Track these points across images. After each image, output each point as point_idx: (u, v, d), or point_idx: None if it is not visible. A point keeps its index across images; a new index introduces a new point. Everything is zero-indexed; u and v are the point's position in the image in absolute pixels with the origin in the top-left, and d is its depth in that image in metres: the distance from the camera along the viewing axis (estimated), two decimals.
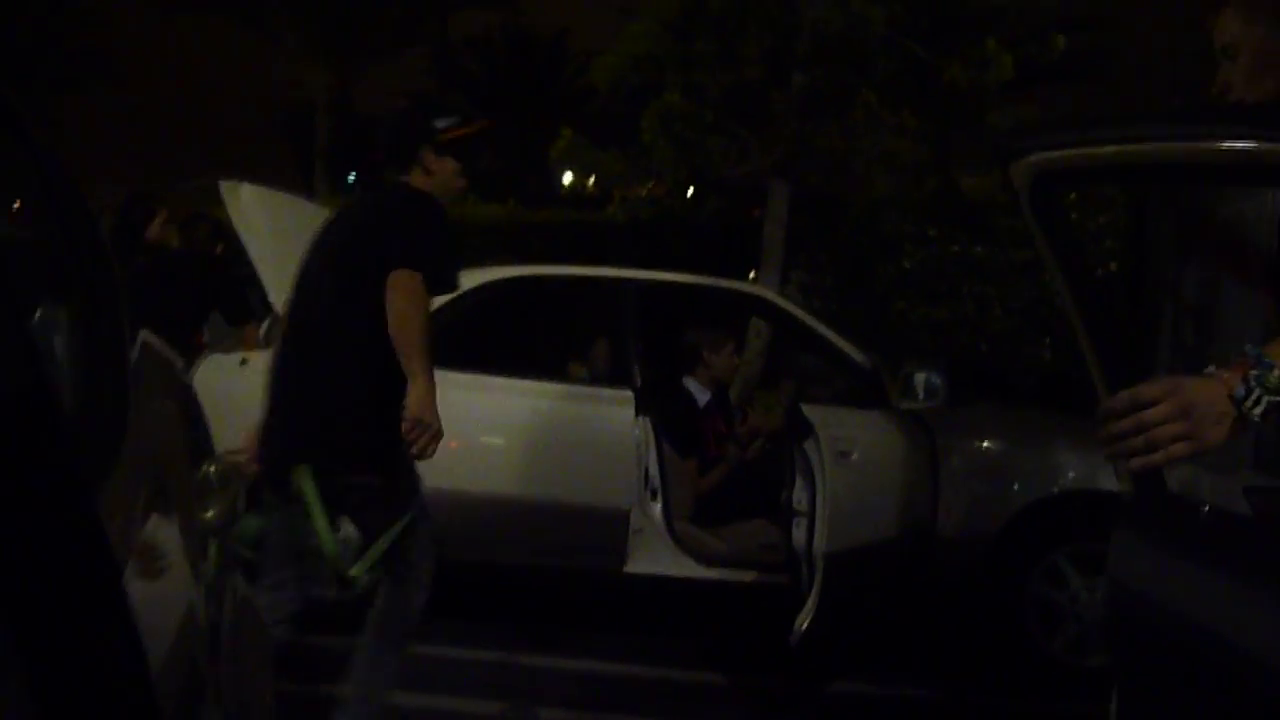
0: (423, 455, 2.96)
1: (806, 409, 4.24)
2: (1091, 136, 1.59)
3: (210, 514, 1.66)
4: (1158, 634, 1.59)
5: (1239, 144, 1.42)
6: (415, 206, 3.15)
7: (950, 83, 8.42)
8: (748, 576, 4.73)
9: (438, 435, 2.94)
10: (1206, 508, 1.50)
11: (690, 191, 10.95)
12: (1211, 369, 1.50)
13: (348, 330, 3.09)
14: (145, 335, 1.70)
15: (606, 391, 4.89)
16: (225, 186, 5.19)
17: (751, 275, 9.07)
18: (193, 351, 5.24)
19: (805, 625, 3.96)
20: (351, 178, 21.47)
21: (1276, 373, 1.49)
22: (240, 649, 1.97)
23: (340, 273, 3.14)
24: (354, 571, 2.99)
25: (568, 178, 21.55)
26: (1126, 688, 1.68)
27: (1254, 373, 1.47)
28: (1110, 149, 1.56)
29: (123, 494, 1.25)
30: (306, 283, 3.27)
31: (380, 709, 3.23)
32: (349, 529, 3.03)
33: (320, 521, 2.97)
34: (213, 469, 1.75)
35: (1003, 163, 1.67)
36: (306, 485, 2.99)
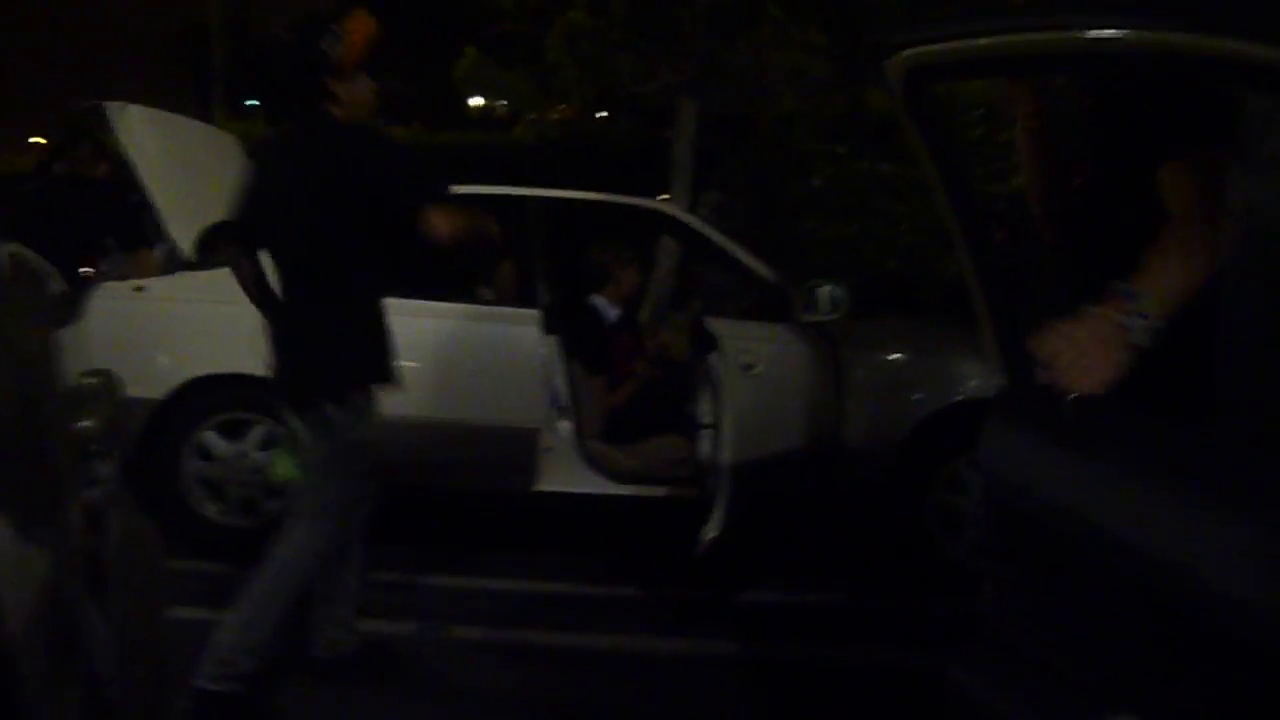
0: None
1: (710, 323, 4.26)
2: (962, 29, 1.60)
3: (89, 424, 1.62)
4: (1027, 521, 1.63)
5: (1103, 32, 1.43)
6: (378, 151, 3.21)
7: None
8: (658, 491, 4.78)
9: None
10: (1072, 396, 1.54)
11: (603, 115, 10.85)
12: (1089, 308, 1.59)
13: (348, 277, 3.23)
14: (13, 248, 1.64)
15: (513, 311, 4.86)
16: (111, 108, 5.00)
17: (664, 197, 9.04)
18: (87, 277, 5.09)
19: (711, 535, 4.02)
20: (252, 102, 20.90)
21: (1147, 300, 1.62)
22: (128, 572, 1.94)
23: (326, 225, 3.16)
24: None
25: (477, 100, 21.21)
26: (998, 575, 1.74)
27: (1129, 306, 1.61)
28: (982, 41, 1.57)
29: None
30: (279, 227, 3.29)
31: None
32: None
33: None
34: (93, 380, 1.71)
35: (877, 61, 1.67)
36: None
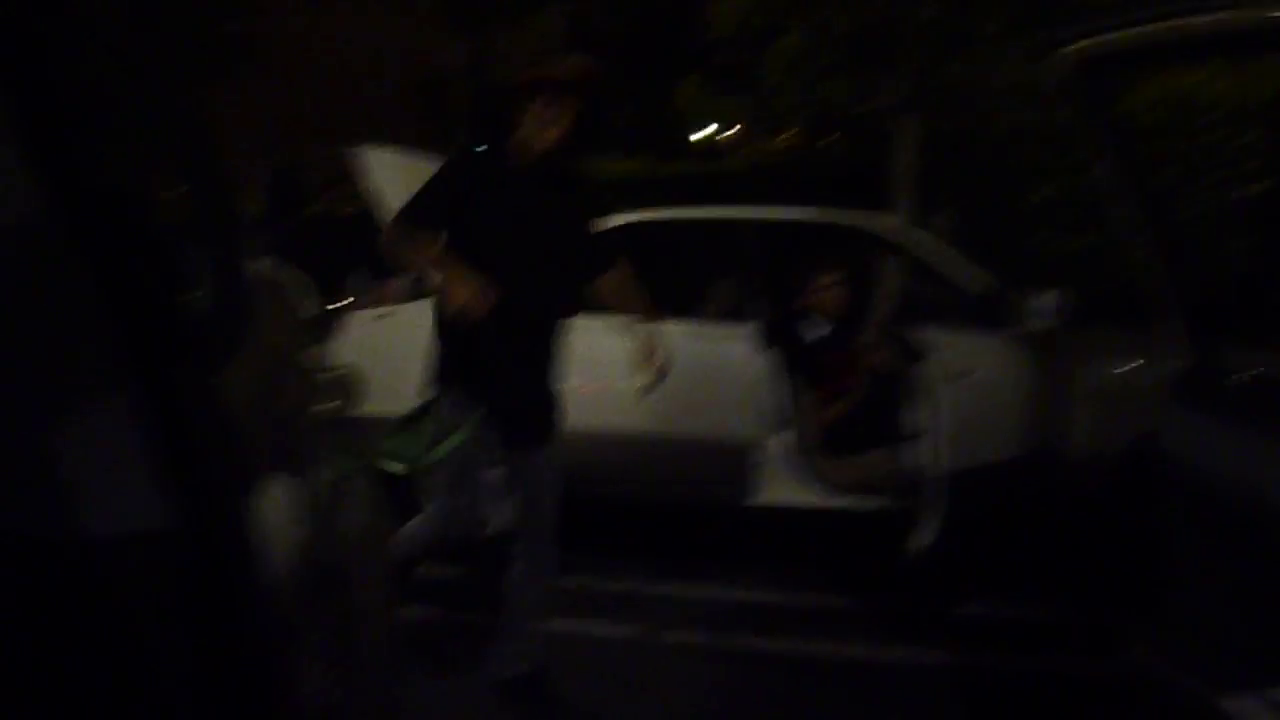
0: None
1: (921, 333, 4.28)
2: (1129, 19, 1.63)
3: (330, 405, 1.85)
4: (1211, 502, 1.63)
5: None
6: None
7: (1077, 6, 8.16)
8: (873, 503, 4.80)
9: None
10: (1253, 372, 1.55)
11: (829, 138, 10.88)
12: None
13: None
14: (260, 266, 1.90)
15: (731, 328, 4.99)
16: (354, 153, 5.46)
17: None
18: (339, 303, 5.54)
19: (923, 545, 4.03)
20: (481, 148, 21.90)
21: None
22: (361, 563, 2.16)
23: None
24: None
25: (705, 130, 21.54)
26: (1188, 558, 1.74)
27: None
28: (1148, 29, 1.60)
29: (242, 378, 1.46)
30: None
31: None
32: None
33: None
34: (334, 373, 1.95)
35: (1048, 53, 1.72)
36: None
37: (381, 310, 5.31)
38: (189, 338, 1.08)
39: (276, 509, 1.56)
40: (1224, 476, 1.61)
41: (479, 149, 3.40)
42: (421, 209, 3.36)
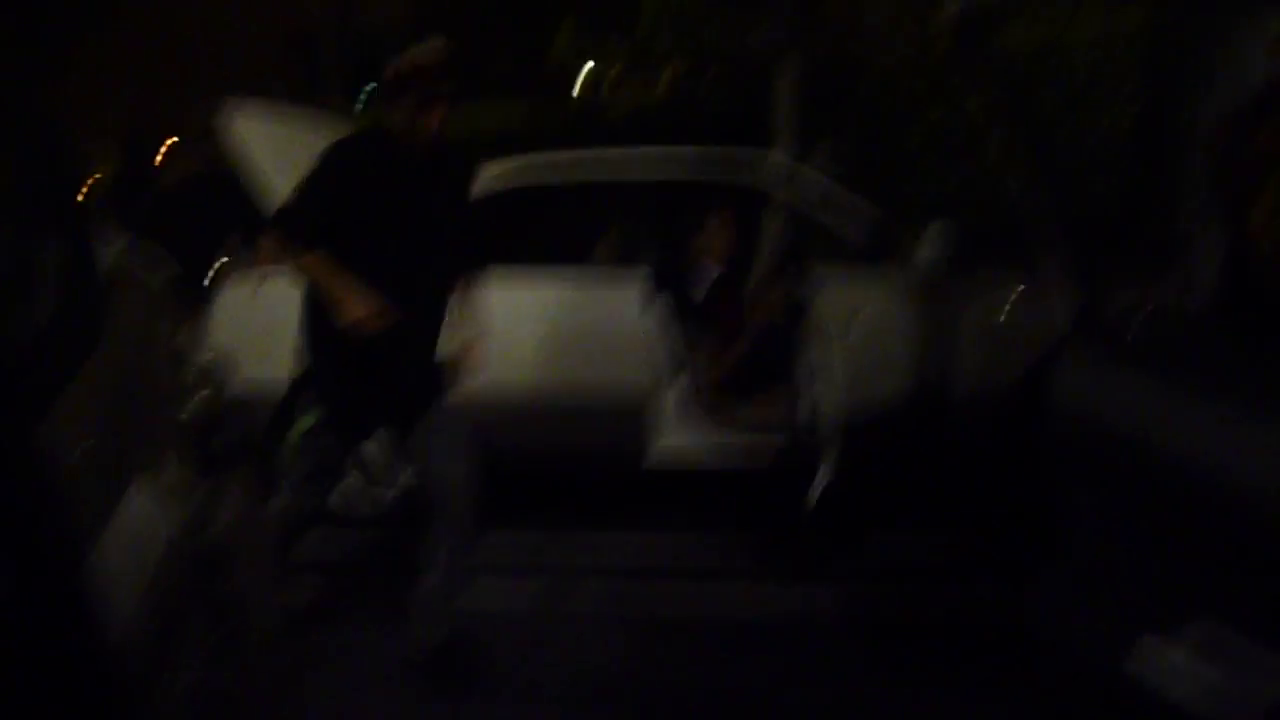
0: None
1: (814, 274, 4.26)
2: None
3: (201, 398, 1.74)
4: (1100, 444, 1.63)
5: None
6: None
7: None
8: (773, 443, 4.80)
9: None
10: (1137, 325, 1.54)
11: (711, 76, 10.80)
12: None
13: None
14: (118, 252, 1.76)
15: (621, 273, 4.92)
16: (232, 105, 5.22)
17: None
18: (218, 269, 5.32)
19: (822, 486, 4.04)
20: (362, 98, 21.35)
21: None
22: (239, 551, 2.06)
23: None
24: None
25: (584, 71, 21.33)
26: (1076, 497, 1.73)
27: None
28: None
29: (101, 375, 1.35)
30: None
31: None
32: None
33: None
34: (206, 361, 1.83)
35: None
36: None
37: (261, 272, 5.11)
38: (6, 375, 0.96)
39: (144, 507, 1.45)
40: (1116, 423, 1.59)
41: (357, 140, 3.41)
42: (302, 217, 3.27)
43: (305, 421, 3.19)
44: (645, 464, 4.85)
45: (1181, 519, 1.51)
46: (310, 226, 3.21)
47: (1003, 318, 4.63)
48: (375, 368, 3.24)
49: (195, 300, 3.28)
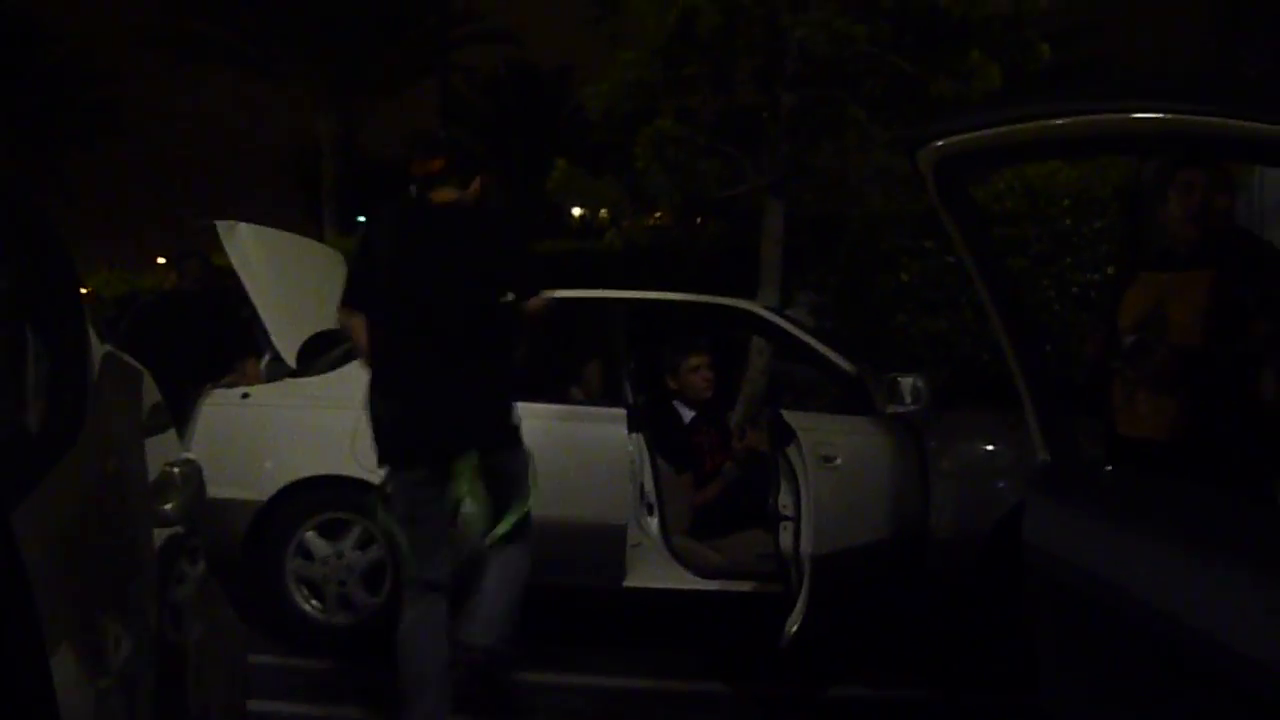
0: None
1: (789, 416, 4.31)
2: (980, 120, 1.68)
3: (170, 505, 1.76)
4: (1069, 591, 1.66)
5: (1127, 115, 1.51)
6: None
7: (938, 95, 8.49)
8: (745, 586, 4.79)
9: None
10: (1109, 468, 1.58)
11: (698, 220, 11.03)
12: None
13: (487, 333, 3.60)
14: (109, 350, 1.81)
15: (600, 410, 4.97)
16: (221, 227, 5.34)
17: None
18: (200, 385, 5.34)
19: (794, 628, 4.02)
20: (361, 219, 21.71)
21: None
22: (210, 664, 2.05)
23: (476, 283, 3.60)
24: (496, 533, 3.66)
25: (576, 210, 21.75)
26: (1045, 645, 1.75)
27: None
28: (1001, 130, 1.65)
29: (80, 469, 1.37)
30: (430, 288, 3.58)
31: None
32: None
33: (479, 496, 3.58)
34: (176, 469, 1.85)
35: (909, 152, 1.76)
36: (466, 467, 3.54)
37: (244, 390, 5.15)
38: None
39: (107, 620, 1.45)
40: (1083, 567, 1.62)
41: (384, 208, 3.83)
42: (350, 287, 3.74)
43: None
44: (620, 599, 4.84)
45: (1146, 667, 1.53)
46: (355, 293, 3.69)
47: (979, 464, 4.68)
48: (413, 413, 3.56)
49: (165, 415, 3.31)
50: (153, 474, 1.75)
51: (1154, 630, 1.49)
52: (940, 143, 1.74)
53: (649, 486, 4.94)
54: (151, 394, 1.97)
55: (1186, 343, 3.21)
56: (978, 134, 1.68)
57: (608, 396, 5.16)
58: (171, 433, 2.11)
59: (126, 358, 1.93)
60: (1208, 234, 3.49)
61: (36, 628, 0.97)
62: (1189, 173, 3.44)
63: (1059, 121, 1.60)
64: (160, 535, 1.74)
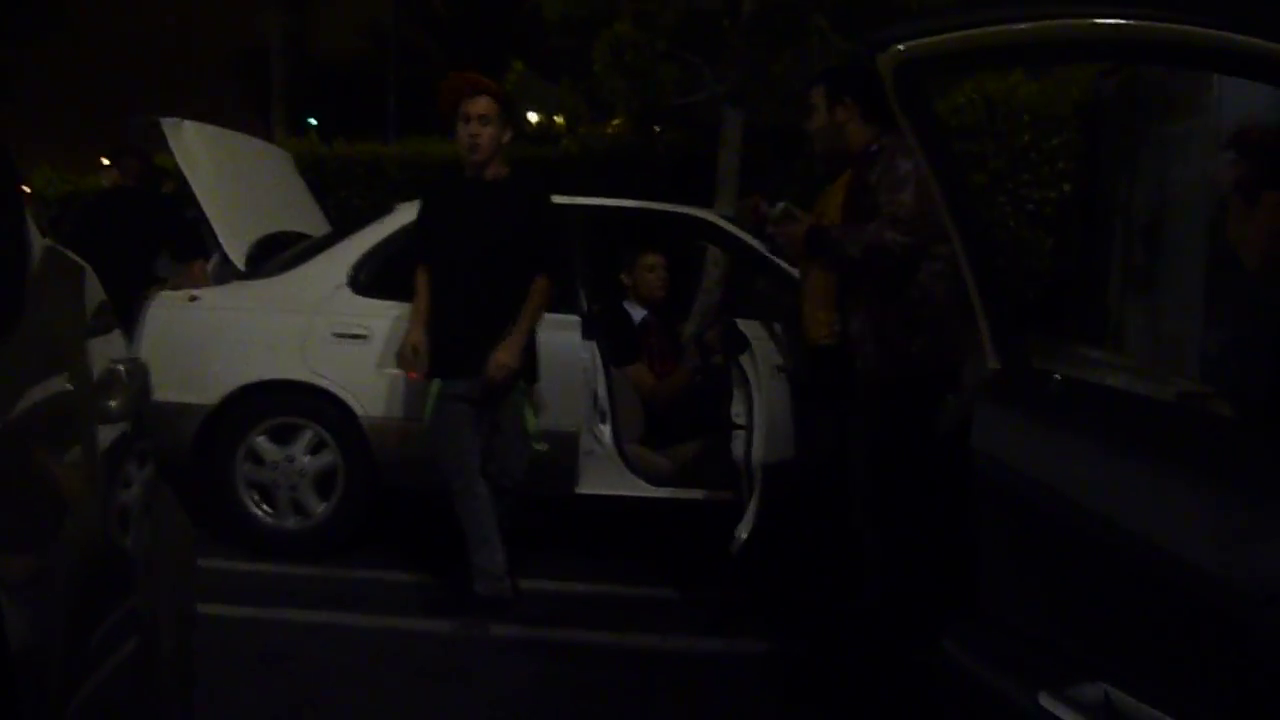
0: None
1: (743, 325, 4.31)
2: (944, 24, 1.65)
3: (114, 403, 1.73)
4: (1016, 497, 1.68)
5: (1093, 20, 1.48)
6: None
7: (901, 5, 8.39)
8: (696, 494, 4.83)
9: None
10: (1057, 377, 1.59)
11: (656, 128, 10.90)
12: None
13: (517, 278, 4.18)
14: (49, 244, 1.76)
15: (553, 317, 4.93)
16: (166, 125, 5.19)
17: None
18: (144, 287, 5.25)
19: (745, 535, 4.06)
20: (312, 120, 21.27)
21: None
22: (160, 567, 2.03)
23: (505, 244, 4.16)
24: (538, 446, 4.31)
25: (533, 116, 21.45)
26: (990, 549, 1.78)
27: None
28: (965, 34, 1.62)
29: (16, 362, 1.34)
30: (474, 235, 4.18)
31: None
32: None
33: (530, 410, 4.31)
34: (122, 366, 1.82)
35: (869, 56, 1.73)
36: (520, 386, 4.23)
37: (191, 292, 5.06)
38: None
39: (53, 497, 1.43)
40: (1034, 477, 1.64)
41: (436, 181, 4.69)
42: (414, 246, 4.39)
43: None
44: (572, 505, 4.88)
45: (1088, 573, 1.55)
46: (419, 250, 4.31)
47: None
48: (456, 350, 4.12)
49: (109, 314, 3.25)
50: (97, 373, 1.71)
51: (1098, 536, 1.51)
52: (902, 46, 1.71)
53: (602, 394, 4.93)
54: (96, 292, 1.92)
55: None
56: (942, 37, 1.65)
57: (562, 303, 5.13)
58: (117, 333, 2.07)
59: (68, 253, 1.88)
60: None
61: None
62: None
63: (1024, 26, 1.58)
64: (107, 437, 1.71)
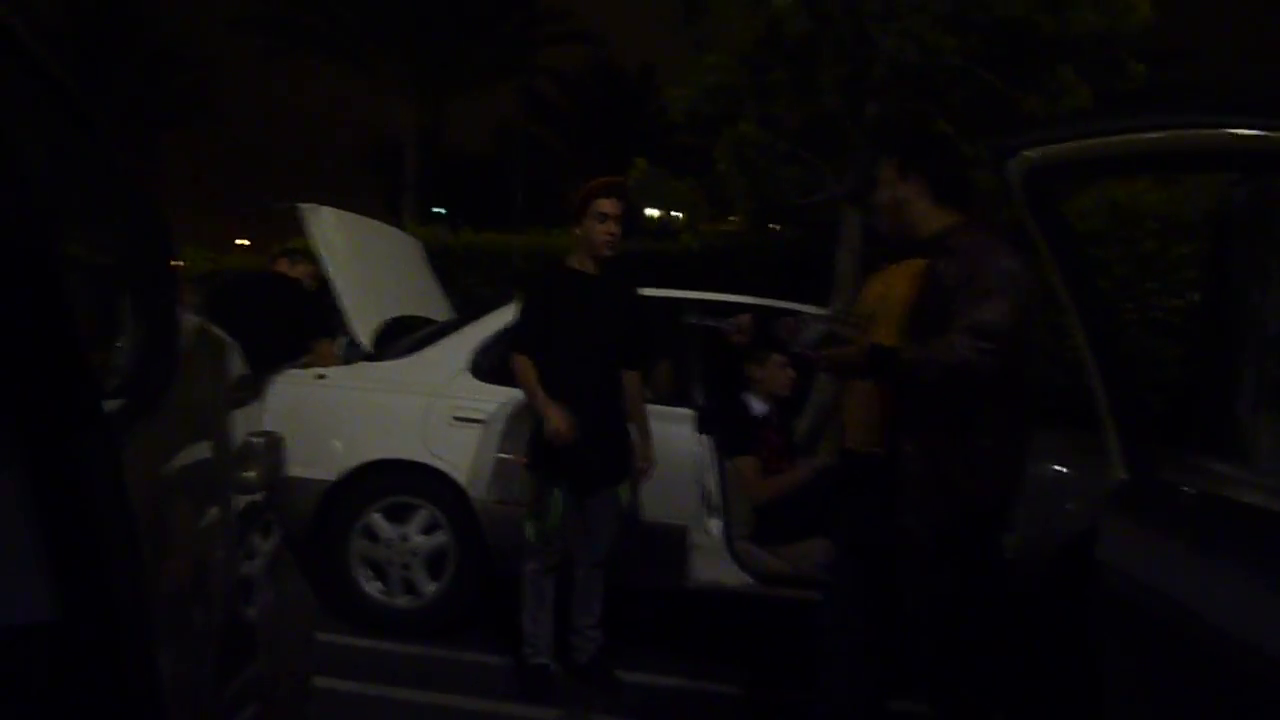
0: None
1: None
2: (1076, 131, 1.66)
3: (252, 474, 1.80)
4: (1147, 614, 1.63)
5: (1216, 130, 1.48)
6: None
7: (1026, 112, 8.38)
8: (805, 595, 4.76)
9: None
10: (1188, 490, 1.55)
11: (774, 226, 10.97)
12: None
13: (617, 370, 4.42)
14: (201, 321, 1.86)
15: (669, 410, 4.97)
16: (305, 209, 5.43)
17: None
18: (277, 365, 5.43)
19: None
20: (440, 210, 21.96)
21: None
22: (279, 637, 2.08)
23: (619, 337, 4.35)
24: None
25: (653, 211, 21.78)
26: (1119, 668, 1.72)
27: None
28: (1095, 141, 1.63)
29: (167, 430, 1.41)
30: (598, 332, 4.32)
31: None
32: None
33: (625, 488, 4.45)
34: (259, 439, 1.89)
35: (997, 164, 1.74)
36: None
37: (318, 371, 5.23)
38: (95, 403, 1.01)
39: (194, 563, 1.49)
40: (1161, 591, 1.59)
41: (546, 271, 4.60)
42: (517, 332, 4.35)
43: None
44: (683, 598, 4.84)
45: (1221, 694, 1.50)
46: (524, 339, 4.27)
47: (1055, 483, 4.62)
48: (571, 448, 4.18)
49: (255, 386, 3.40)
50: (237, 444, 1.79)
51: (1231, 658, 1.45)
52: (1031, 152, 1.72)
53: (712, 488, 4.92)
54: (239, 366, 2.02)
55: None
56: (1070, 144, 1.65)
57: (676, 397, 5.16)
58: (257, 405, 2.16)
59: (216, 330, 1.98)
60: None
61: (143, 592, 1.00)
62: None
63: (1153, 135, 1.58)
64: (238, 506, 1.78)
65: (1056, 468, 4.69)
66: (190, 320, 1.81)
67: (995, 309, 2.89)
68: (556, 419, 4.11)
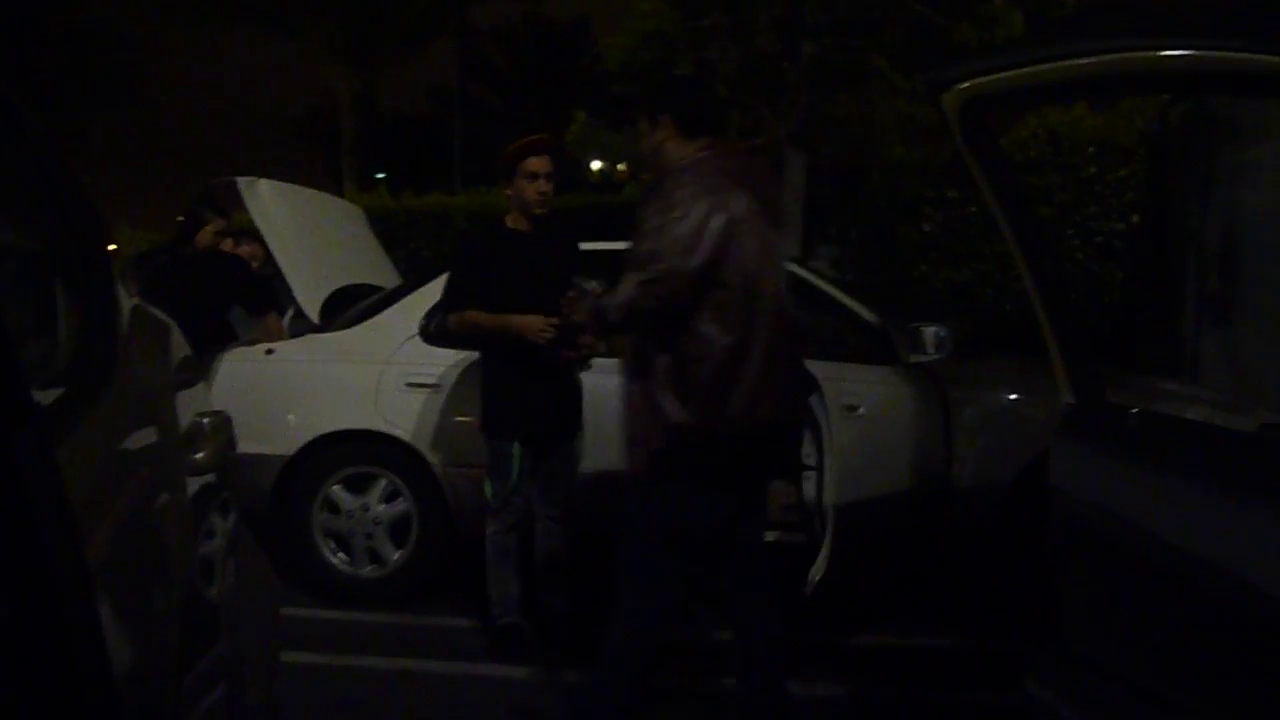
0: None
1: (812, 365, 4.29)
2: (1010, 61, 1.66)
3: (201, 455, 1.78)
4: (1095, 534, 1.66)
5: (1149, 53, 1.48)
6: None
7: (960, 42, 8.40)
8: (768, 535, 4.79)
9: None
10: (1134, 411, 1.58)
11: None
12: None
13: None
14: (137, 302, 1.83)
15: (600, 361, 4.94)
16: (243, 184, 5.34)
17: None
18: (220, 342, 5.35)
19: (818, 577, 4.03)
20: (381, 175, 21.69)
21: None
22: (242, 615, 2.07)
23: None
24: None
25: (596, 164, 21.65)
26: (1069, 587, 1.75)
27: None
28: (1029, 70, 1.63)
29: (111, 416, 1.39)
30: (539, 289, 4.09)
31: None
32: None
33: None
34: (206, 419, 1.87)
35: (933, 97, 1.74)
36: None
37: (267, 346, 5.17)
38: (24, 396, 0.98)
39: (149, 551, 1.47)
40: (1112, 511, 1.62)
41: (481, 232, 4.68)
42: (454, 294, 4.29)
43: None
44: None
45: (1171, 608, 1.53)
46: (457, 302, 4.23)
47: (1003, 413, 4.68)
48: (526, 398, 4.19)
49: (198, 366, 3.35)
50: (184, 426, 1.77)
51: (1181, 572, 1.49)
52: (966, 84, 1.72)
53: None
54: (181, 347, 1.99)
55: None
56: (1004, 74, 1.66)
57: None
58: (201, 385, 2.14)
59: (155, 311, 1.95)
60: None
61: (88, 584, 0.99)
62: None
63: (1086, 61, 1.58)
64: (192, 487, 1.76)
65: (1010, 395, 4.74)
66: (128, 303, 1.78)
67: (650, 242, 2.82)
68: (532, 322, 4.02)
